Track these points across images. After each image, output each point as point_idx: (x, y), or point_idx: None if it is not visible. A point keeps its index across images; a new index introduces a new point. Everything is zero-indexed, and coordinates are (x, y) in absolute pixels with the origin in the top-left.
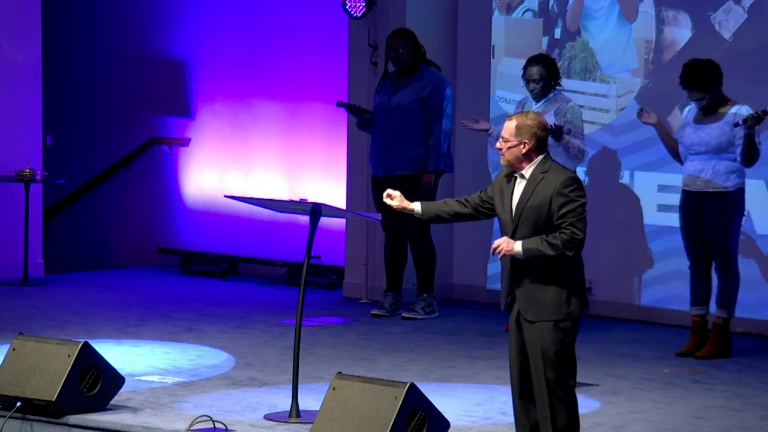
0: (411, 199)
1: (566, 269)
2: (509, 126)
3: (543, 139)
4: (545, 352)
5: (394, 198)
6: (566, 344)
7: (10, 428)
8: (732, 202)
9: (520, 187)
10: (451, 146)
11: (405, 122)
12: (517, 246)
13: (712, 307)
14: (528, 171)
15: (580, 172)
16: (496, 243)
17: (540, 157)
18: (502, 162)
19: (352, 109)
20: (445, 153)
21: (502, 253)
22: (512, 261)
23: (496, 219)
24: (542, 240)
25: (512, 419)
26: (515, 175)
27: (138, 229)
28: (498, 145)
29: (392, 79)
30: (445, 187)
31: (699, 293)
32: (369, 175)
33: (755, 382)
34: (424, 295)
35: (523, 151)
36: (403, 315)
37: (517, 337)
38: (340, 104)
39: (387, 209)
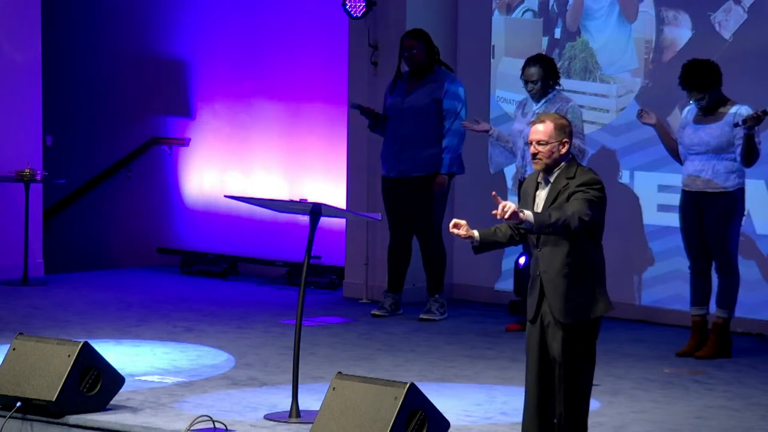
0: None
1: (594, 269)
2: (546, 128)
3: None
4: (574, 352)
5: (461, 227)
6: (592, 344)
7: (10, 428)
8: (732, 202)
9: (544, 192)
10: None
11: (419, 123)
12: (528, 213)
13: (712, 307)
14: (554, 176)
15: None
16: (504, 203)
17: (567, 161)
18: (536, 167)
19: (364, 110)
20: (459, 155)
21: (509, 214)
22: (543, 265)
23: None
24: (548, 212)
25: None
26: (539, 181)
27: (138, 229)
28: (533, 149)
29: (404, 79)
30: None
31: (699, 293)
32: (370, 176)
33: (755, 382)
34: (436, 296)
35: (563, 151)
36: (420, 317)
37: (539, 345)
38: (353, 105)
39: (401, 211)
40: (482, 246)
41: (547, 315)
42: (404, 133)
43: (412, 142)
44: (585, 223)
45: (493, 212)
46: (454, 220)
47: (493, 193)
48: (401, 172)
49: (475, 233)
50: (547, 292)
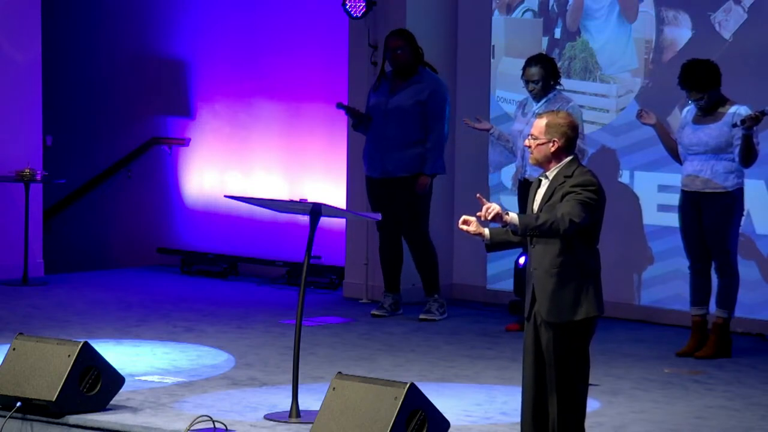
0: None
1: (584, 271)
2: (539, 124)
3: (573, 140)
4: (561, 353)
5: (470, 224)
6: (582, 345)
7: (10, 428)
8: (731, 202)
9: (542, 189)
10: (445, 148)
11: (403, 124)
12: (512, 216)
13: (712, 307)
14: (552, 173)
15: None
16: (488, 204)
17: (567, 160)
18: (530, 161)
19: (350, 111)
20: (442, 155)
21: (491, 216)
22: (535, 263)
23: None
24: (535, 214)
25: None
26: (540, 177)
27: (138, 229)
28: (527, 142)
29: (389, 79)
30: (444, 187)
31: (699, 293)
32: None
33: (755, 382)
34: (435, 296)
35: (552, 149)
36: (420, 317)
37: (534, 344)
38: (339, 106)
39: (383, 210)
40: (494, 245)
41: (539, 314)
42: (388, 134)
43: (397, 143)
44: (576, 225)
45: (477, 214)
46: (464, 217)
47: (478, 195)
48: (385, 173)
49: (486, 231)
50: (536, 290)
